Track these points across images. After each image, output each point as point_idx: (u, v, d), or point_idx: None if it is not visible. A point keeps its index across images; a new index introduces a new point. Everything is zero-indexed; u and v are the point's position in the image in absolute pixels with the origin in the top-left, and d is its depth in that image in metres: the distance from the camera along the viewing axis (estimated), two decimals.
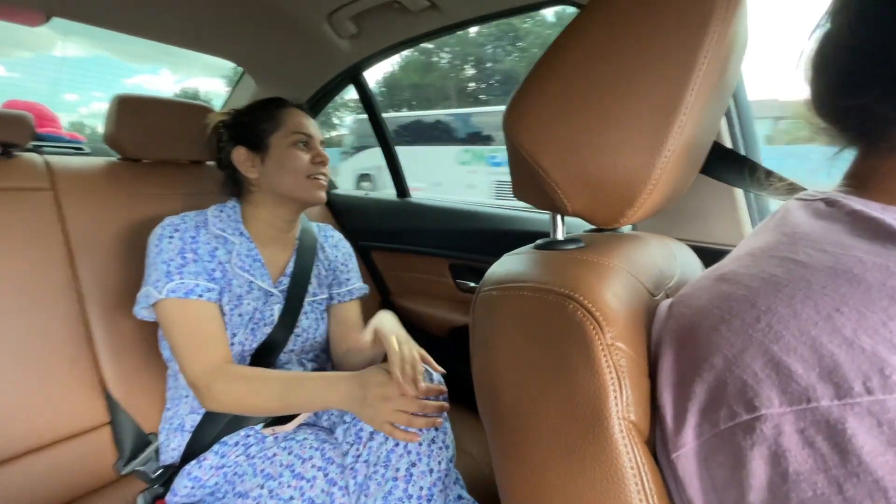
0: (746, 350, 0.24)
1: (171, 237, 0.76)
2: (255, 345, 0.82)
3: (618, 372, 0.29)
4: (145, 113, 0.96)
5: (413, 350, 0.71)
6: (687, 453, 0.26)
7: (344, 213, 1.43)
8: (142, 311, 0.76)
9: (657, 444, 0.30)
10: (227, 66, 1.24)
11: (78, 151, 1.13)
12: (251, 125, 0.85)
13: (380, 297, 1.43)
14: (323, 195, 0.85)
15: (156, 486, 0.82)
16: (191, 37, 1.05)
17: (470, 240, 1.16)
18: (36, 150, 0.99)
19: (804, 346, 0.22)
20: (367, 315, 1.35)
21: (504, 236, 1.09)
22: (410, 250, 1.30)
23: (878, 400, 0.20)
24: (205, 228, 0.80)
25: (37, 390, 0.79)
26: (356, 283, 1.00)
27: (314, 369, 0.92)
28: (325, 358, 0.99)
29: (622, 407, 0.29)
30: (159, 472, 0.82)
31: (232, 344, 0.79)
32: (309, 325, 0.90)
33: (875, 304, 0.22)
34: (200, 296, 0.74)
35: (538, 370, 0.32)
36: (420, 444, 0.70)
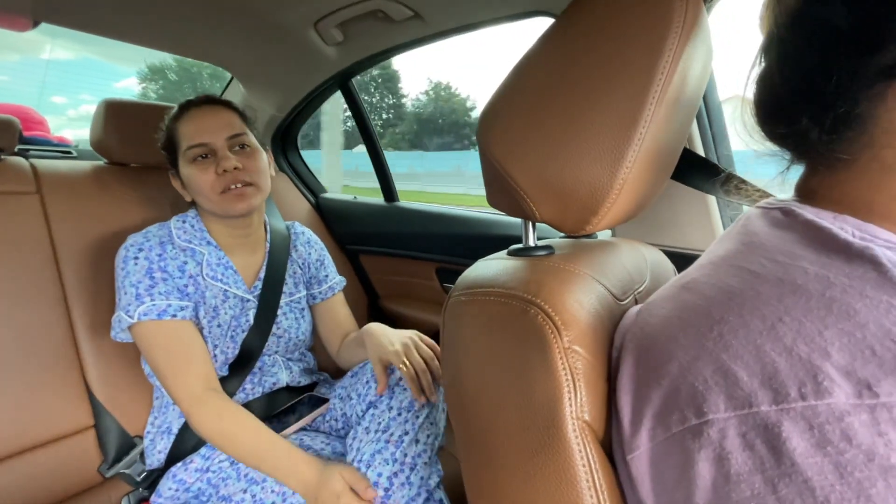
0: (699, 358, 0.26)
1: (136, 258, 0.74)
2: (236, 352, 0.82)
3: (573, 374, 0.30)
4: (132, 117, 0.96)
5: (417, 358, 0.73)
6: (641, 455, 0.28)
7: (332, 217, 1.43)
8: (119, 335, 0.76)
9: (614, 445, 0.31)
10: (217, 69, 1.24)
11: (66, 155, 1.13)
12: (167, 146, 0.81)
13: (367, 300, 1.44)
14: (242, 206, 0.77)
15: (140, 490, 0.82)
16: (179, 42, 1.06)
17: (456, 243, 1.17)
18: (22, 153, 0.99)
19: (749, 354, 0.24)
20: (361, 317, 1.36)
21: (488, 240, 1.11)
22: (398, 254, 1.31)
23: (810, 405, 0.21)
24: (170, 243, 0.78)
25: (20, 393, 0.79)
26: (335, 278, 1.00)
27: (301, 370, 0.92)
28: (311, 358, 0.99)
29: (576, 408, 0.30)
30: (144, 474, 0.83)
31: (214, 355, 0.79)
32: (289, 326, 0.89)
33: (813, 313, 0.23)
34: (174, 315, 0.73)
35: (500, 373, 0.33)
36: (417, 417, 0.71)
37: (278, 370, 0.88)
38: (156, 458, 0.79)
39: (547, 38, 0.38)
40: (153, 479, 0.81)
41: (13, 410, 0.78)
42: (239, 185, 0.76)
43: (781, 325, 0.24)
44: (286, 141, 1.46)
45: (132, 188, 0.99)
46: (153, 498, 0.76)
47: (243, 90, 1.29)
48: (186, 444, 0.77)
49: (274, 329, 0.86)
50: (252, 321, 0.83)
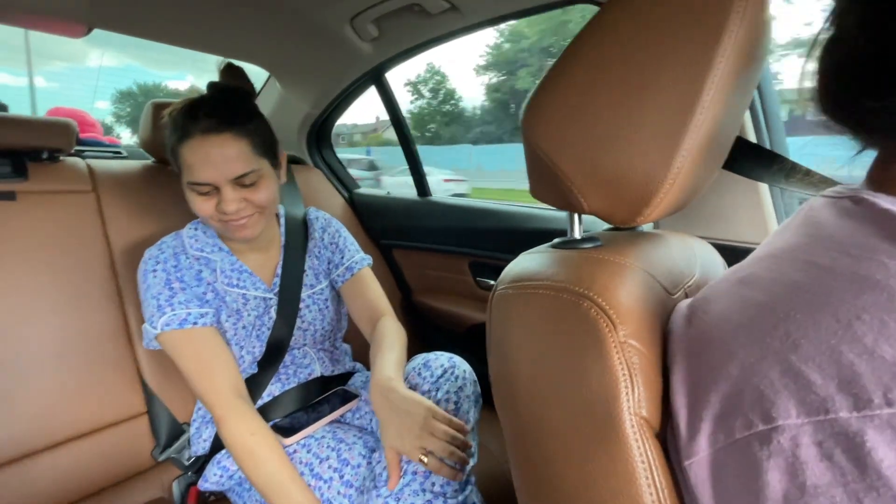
0: (764, 358, 0.24)
1: (154, 270, 0.75)
2: (263, 350, 0.82)
3: (630, 369, 0.30)
4: None
5: (438, 443, 0.61)
6: (700, 461, 0.26)
7: (366, 212, 1.45)
8: (150, 344, 0.76)
9: (670, 450, 0.30)
10: (248, 69, 1.28)
11: (117, 155, 1.19)
12: (168, 149, 0.74)
13: (401, 294, 1.45)
14: (244, 234, 0.75)
15: (189, 474, 0.86)
16: (221, 43, 1.09)
17: (489, 238, 1.17)
18: (78, 154, 1.05)
19: (823, 356, 0.22)
20: (394, 311, 1.37)
21: (523, 234, 1.09)
22: (431, 248, 1.32)
23: None
24: (183, 253, 0.78)
25: (79, 382, 0.84)
26: (354, 256, 0.93)
27: (334, 360, 0.93)
28: (345, 347, 1.00)
29: (633, 403, 0.29)
30: (192, 459, 0.86)
31: (241, 356, 0.80)
32: (313, 318, 0.89)
33: None
34: (195, 323, 0.73)
35: (552, 368, 0.33)
36: None
37: (310, 361, 0.89)
38: (201, 446, 0.83)
39: (594, 26, 0.37)
40: (200, 464, 0.84)
41: (73, 397, 0.83)
42: (242, 220, 0.73)
43: (860, 325, 0.22)
44: (321, 137, 1.48)
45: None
46: (200, 483, 0.79)
47: (280, 88, 1.32)
48: None
49: (298, 323, 0.86)
50: (275, 318, 0.83)
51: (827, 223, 0.28)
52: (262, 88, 1.40)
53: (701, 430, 0.26)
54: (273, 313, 0.83)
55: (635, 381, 0.29)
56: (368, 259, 0.95)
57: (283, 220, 0.91)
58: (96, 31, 0.99)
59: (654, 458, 0.29)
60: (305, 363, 0.88)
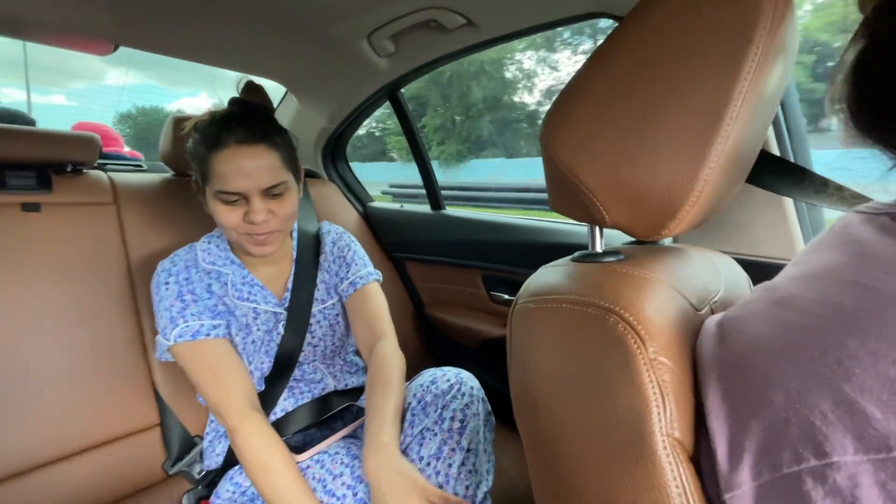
0: (813, 388, 0.22)
1: (166, 283, 0.75)
2: (271, 365, 0.82)
3: (661, 387, 0.28)
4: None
5: None
6: (742, 495, 0.24)
7: (379, 225, 1.46)
8: (164, 355, 0.77)
9: (706, 479, 0.28)
10: (265, 84, 1.30)
11: (137, 169, 1.21)
12: (192, 158, 0.75)
13: (413, 307, 1.44)
14: (263, 251, 0.75)
15: (199, 488, 0.85)
16: (240, 59, 1.11)
17: (503, 252, 1.16)
18: (101, 167, 1.07)
19: (881, 387, 0.20)
20: (406, 325, 1.38)
21: (537, 249, 1.08)
22: (444, 262, 1.31)
23: None
24: (195, 267, 0.79)
25: (94, 393, 0.85)
26: (360, 271, 0.89)
27: (348, 374, 0.92)
28: (357, 360, 0.98)
29: (666, 424, 0.28)
30: (203, 473, 0.86)
31: (250, 371, 0.80)
32: (324, 335, 0.88)
33: None
34: (208, 335, 0.73)
35: (578, 384, 0.32)
36: (450, 466, 0.67)
37: (322, 376, 0.87)
38: (213, 460, 0.82)
39: (615, 38, 0.37)
40: (211, 478, 0.83)
41: (88, 408, 0.84)
42: (264, 235, 0.74)
43: None
44: (336, 151, 1.50)
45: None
46: (212, 499, 0.78)
47: (297, 103, 1.34)
48: None
49: (308, 339, 0.85)
50: (283, 333, 0.82)
51: (868, 241, 0.27)
52: (279, 104, 1.43)
53: (743, 460, 0.25)
54: (282, 328, 0.82)
55: (667, 401, 0.28)
56: (376, 274, 0.91)
57: (295, 234, 0.91)
58: (116, 51, 1.02)
59: (690, 482, 0.27)
60: (317, 378, 0.87)
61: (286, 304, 0.83)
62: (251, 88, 0.81)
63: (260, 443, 0.68)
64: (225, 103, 0.79)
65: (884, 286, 0.23)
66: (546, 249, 1.07)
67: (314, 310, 0.86)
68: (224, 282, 0.80)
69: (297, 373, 0.85)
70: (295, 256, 0.88)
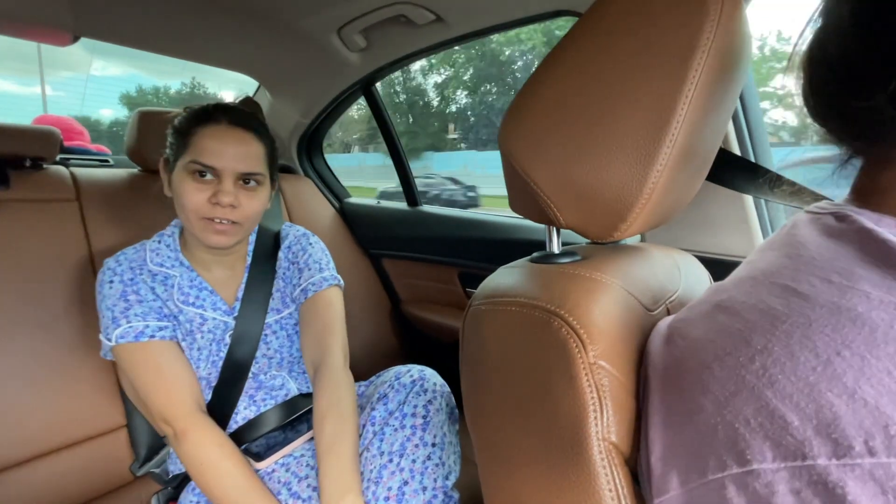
0: (738, 393, 0.22)
1: (110, 282, 0.72)
2: (218, 375, 0.78)
3: (599, 392, 0.29)
4: (165, 126, 0.99)
5: None
6: (671, 500, 0.25)
7: (356, 221, 1.45)
8: (108, 355, 0.74)
9: (641, 480, 0.29)
10: (247, 79, 1.28)
11: (103, 164, 1.18)
12: (175, 132, 0.73)
13: (390, 304, 1.44)
14: (219, 241, 0.72)
15: (168, 489, 0.84)
16: (207, 52, 1.09)
17: (479, 248, 1.16)
18: (63, 162, 1.04)
19: (800, 394, 0.20)
20: (383, 322, 1.37)
21: (513, 245, 1.09)
22: (421, 259, 1.31)
23: (881, 463, 0.18)
24: (140, 269, 0.75)
25: (57, 394, 0.82)
26: (313, 277, 0.82)
27: (307, 377, 0.88)
28: None
29: (602, 428, 0.28)
30: (172, 475, 0.84)
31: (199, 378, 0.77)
32: (280, 346, 0.83)
33: (879, 348, 0.20)
34: (153, 336, 0.70)
35: (522, 388, 0.32)
36: (414, 462, 0.66)
37: (283, 382, 0.83)
38: (178, 467, 0.80)
39: (571, 37, 0.37)
40: (179, 480, 0.82)
41: (51, 409, 0.81)
42: (225, 222, 0.71)
43: (840, 361, 0.20)
44: (311, 146, 1.48)
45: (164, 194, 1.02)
46: None
47: (269, 97, 1.32)
48: None
49: (264, 349, 0.81)
50: (230, 344, 0.77)
51: (809, 243, 0.27)
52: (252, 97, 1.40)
53: (674, 465, 0.25)
54: (229, 339, 0.78)
55: (605, 405, 0.28)
56: (333, 280, 0.84)
57: (253, 237, 0.85)
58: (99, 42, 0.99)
59: (623, 486, 0.28)
60: (278, 385, 0.83)
61: (235, 313, 0.80)
62: (248, 102, 0.83)
63: (211, 443, 0.66)
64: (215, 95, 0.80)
65: (813, 292, 0.23)
66: (519, 246, 1.07)
67: (270, 320, 0.82)
68: (171, 284, 0.76)
69: (253, 383, 0.81)
70: (249, 261, 0.83)
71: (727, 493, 0.21)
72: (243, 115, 0.73)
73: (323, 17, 0.91)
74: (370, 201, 1.46)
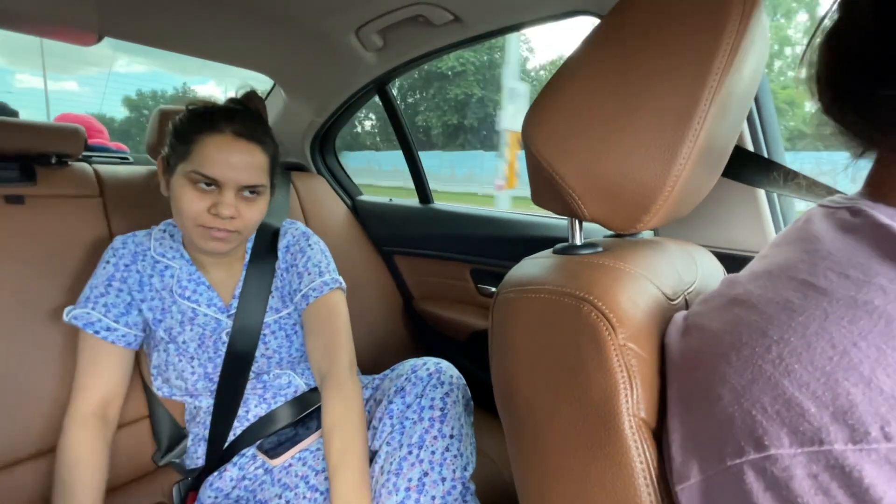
0: (755, 382, 0.23)
1: (108, 261, 0.75)
2: (218, 371, 0.78)
3: (629, 371, 0.30)
4: None
5: None
6: (691, 487, 0.25)
7: (368, 219, 1.46)
8: (65, 317, 0.74)
9: (666, 466, 0.29)
10: (253, 76, 1.29)
11: (123, 161, 1.20)
12: (175, 133, 0.72)
13: (403, 301, 1.46)
14: (216, 247, 0.71)
15: (189, 479, 0.86)
16: (227, 52, 1.11)
17: (491, 245, 1.18)
18: (86, 159, 1.06)
19: (817, 383, 0.21)
20: (395, 319, 1.39)
21: (524, 242, 1.10)
22: (433, 255, 1.32)
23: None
24: (143, 256, 0.77)
25: None
26: (314, 281, 0.80)
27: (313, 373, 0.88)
28: None
29: (632, 405, 0.30)
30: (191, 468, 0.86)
31: (193, 370, 0.78)
32: (279, 346, 0.82)
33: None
34: (97, 332, 0.71)
35: (554, 370, 0.33)
36: (433, 453, 0.66)
37: (290, 380, 0.84)
38: (194, 462, 0.82)
39: (594, 37, 0.38)
40: (199, 471, 0.84)
41: None
42: (222, 232, 0.70)
43: (856, 351, 0.21)
44: (324, 145, 1.50)
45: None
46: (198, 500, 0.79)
47: (284, 96, 1.34)
48: (220, 452, 0.78)
49: (262, 349, 0.81)
50: (227, 343, 0.78)
51: (824, 237, 0.27)
52: (266, 96, 1.42)
53: (693, 454, 0.25)
54: (226, 337, 0.78)
55: (634, 384, 0.30)
56: (334, 283, 0.82)
57: (252, 237, 0.85)
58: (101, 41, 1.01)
59: (653, 457, 0.29)
60: (284, 383, 0.84)
61: (232, 311, 0.80)
62: (251, 97, 0.80)
63: (70, 459, 0.68)
64: (233, 92, 0.79)
65: (830, 286, 0.24)
66: (532, 242, 1.08)
67: (268, 319, 0.81)
68: (170, 275, 0.78)
69: (258, 384, 0.82)
70: (247, 260, 0.83)
71: (746, 479, 0.22)
72: (248, 124, 0.71)
73: (342, 17, 0.93)
74: (383, 199, 1.48)
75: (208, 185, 0.68)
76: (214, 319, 0.79)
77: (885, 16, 0.24)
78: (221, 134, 0.68)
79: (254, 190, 0.72)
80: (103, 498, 0.70)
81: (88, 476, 0.68)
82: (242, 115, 0.72)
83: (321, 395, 0.73)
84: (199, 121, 0.69)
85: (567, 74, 0.39)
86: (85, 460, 0.69)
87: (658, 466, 0.29)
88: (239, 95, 0.79)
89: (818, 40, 0.29)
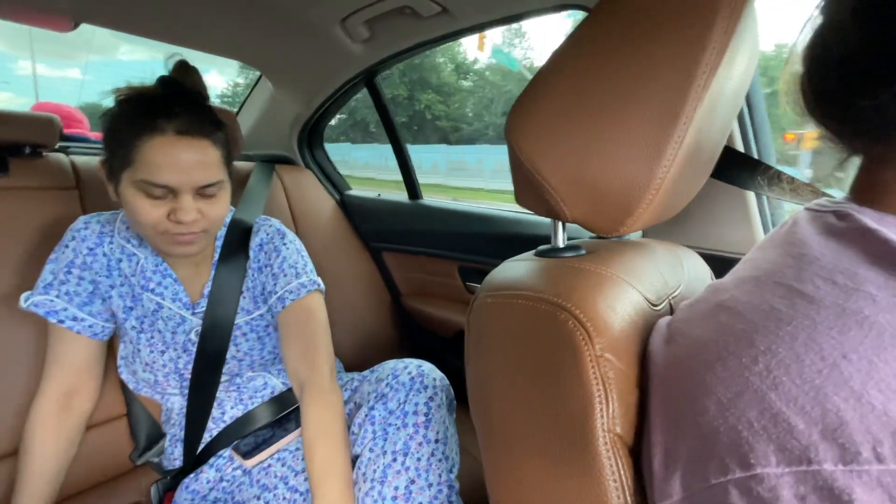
0: (741, 395, 0.22)
1: (67, 245, 0.71)
2: (189, 365, 0.76)
3: (605, 384, 0.29)
4: None
5: None
6: None
7: (356, 214, 1.44)
8: (22, 305, 0.70)
9: (646, 485, 0.28)
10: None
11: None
12: (112, 135, 0.63)
13: (390, 297, 1.44)
14: (183, 251, 0.67)
15: (167, 479, 0.84)
16: (211, 42, 1.07)
17: (479, 242, 1.16)
18: (63, 150, 1.03)
19: (806, 397, 0.20)
20: (382, 315, 1.37)
21: (512, 239, 1.09)
22: (421, 252, 1.31)
23: (889, 470, 0.17)
24: (110, 237, 0.72)
25: None
26: (289, 284, 0.75)
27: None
28: None
29: (608, 420, 0.29)
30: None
31: (164, 364, 0.76)
32: (250, 348, 0.79)
33: (887, 352, 0.19)
34: (61, 321, 0.69)
35: (529, 379, 0.32)
36: (419, 460, 0.65)
37: (265, 381, 0.81)
38: (171, 464, 0.80)
39: (580, 32, 0.36)
40: (178, 472, 0.82)
41: None
42: (186, 235, 0.65)
43: (846, 364, 0.20)
44: (312, 137, 1.47)
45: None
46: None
47: (271, 87, 1.31)
48: (195, 454, 0.77)
49: (233, 351, 0.77)
50: (197, 343, 0.74)
51: (811, 242, 0.27)
52: (253, 87, 1.39)
53: (675, 470, 0.24)
54: (195, 336, 0.75)
55: (610, 397, 0.29)
56: (312, 285, 0.77)
57: (223, 232, 0.80)
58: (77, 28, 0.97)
59: (627, 476, 0.28)
60: (260, 384, 0.82)
61: (199, 310, 0.76)
62: (184, 68, 0.69)
63: (25, 447, 0.69)
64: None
65: (818, 293, 0.23)
66: (520, 240, 1.07)
67: (240, 321, 0.78)
68: (136, 262, 0.73)
69: (231, 385, 0.80)
70: (216, 259, 0.77)
71: (730, 498, 0.21)
72: (191, 117, 0.62)
73: (327, 6, 0.90)
74: (371, 194, 1.46)
75: (161, 195, 0.62)
76: (179, 315, 0.75)
77: (865, 23, 0.24)
78: (163, 135, 0.60)
79: (211, 189, 0.65)
80: (58, 487, 0.70)
81: (39, 464, 0.68)
82: (182, 107, 0.63)
83: (301, 402, 0.70)
84: (135, 120, 0.61)
85: (551, 71, 0.37)
86: (39, 450, 0.69)
87: (633, 485, 0.28)
88: (169, 70, 0.69)
89: (800, 48, 0.28)
